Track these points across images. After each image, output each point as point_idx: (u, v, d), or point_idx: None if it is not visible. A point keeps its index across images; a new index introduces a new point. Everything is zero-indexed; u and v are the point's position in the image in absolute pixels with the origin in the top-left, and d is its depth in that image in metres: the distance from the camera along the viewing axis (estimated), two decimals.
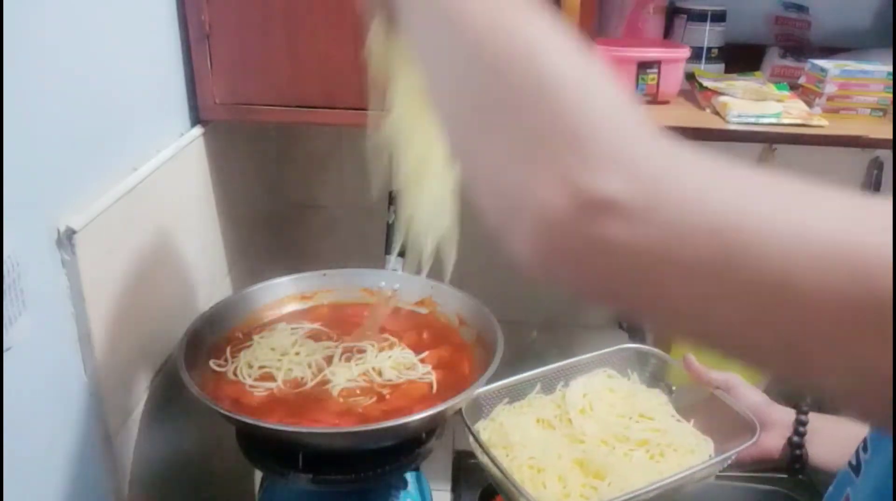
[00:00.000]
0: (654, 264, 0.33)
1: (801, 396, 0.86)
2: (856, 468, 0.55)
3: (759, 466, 0.90)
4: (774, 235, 0.31)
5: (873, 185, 1.25)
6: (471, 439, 0.84)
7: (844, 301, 0.30)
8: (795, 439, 0.84)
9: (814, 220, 0.32)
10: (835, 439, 0.81)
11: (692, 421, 0.88)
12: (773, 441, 0.84)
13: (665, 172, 0.34)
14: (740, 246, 0.31)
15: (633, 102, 0.37)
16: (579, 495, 0.79)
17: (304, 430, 0.75)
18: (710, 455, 0.83)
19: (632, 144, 0.34)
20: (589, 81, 0.37)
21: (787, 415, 0.84)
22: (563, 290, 0.36)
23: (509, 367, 0.93)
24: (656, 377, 0.95)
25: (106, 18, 0.71)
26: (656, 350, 0.95)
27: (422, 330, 0.93)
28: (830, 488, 0.60)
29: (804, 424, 0.82)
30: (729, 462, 0.83)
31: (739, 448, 0.81)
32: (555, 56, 0.37)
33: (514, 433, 0.85)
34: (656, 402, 0.91)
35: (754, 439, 0.81)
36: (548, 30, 0.39)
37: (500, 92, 0.37)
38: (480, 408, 0.89)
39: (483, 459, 0.82)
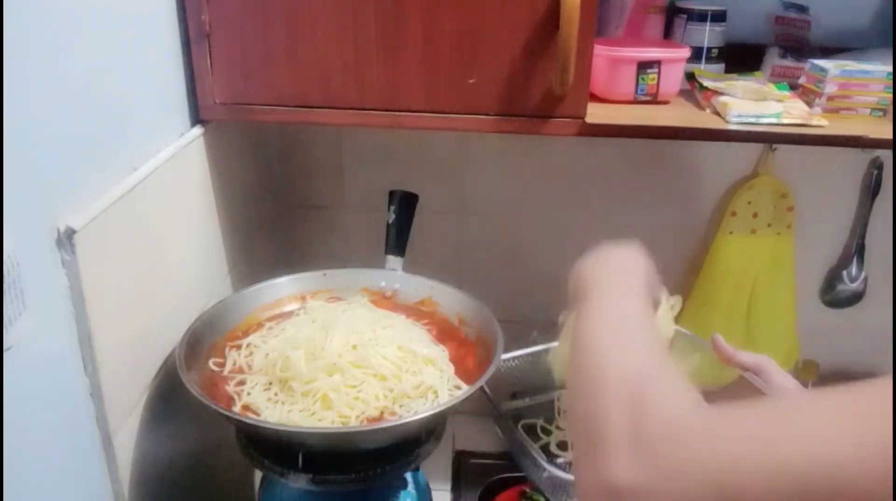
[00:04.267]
0: None
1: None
2: None
3: None
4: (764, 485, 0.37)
5: (873, 185, 1.25)
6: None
7: None
8: None
9: (796, 460, 0.37)
10: None
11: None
12: None
13: (671, 452, 0.42)
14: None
15: (686, 388, 0.47)
16: None
17: (304, 430, 0.75)
18: None
19: (644, 433, 0.43)
20: (635, 381, 0.47)
21: None
22: None
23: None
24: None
25: (105, 18, 0.71)
26: (682, 329, 0.93)
27: (430, 327, 0.93)
28: None
29: None
30: None
31: None
32: (615, 367, 0.49)
33: None
34: None
35: None
36: (623, 341, 0.52)
37: (576, 390, 0.51)
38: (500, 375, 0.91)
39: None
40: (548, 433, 0.92)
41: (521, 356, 0.93)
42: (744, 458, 0.39)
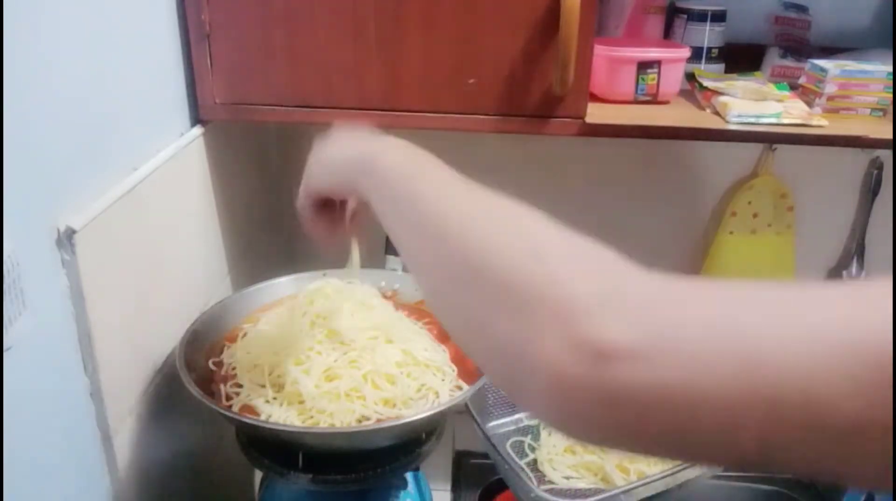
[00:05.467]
0: (679, 400, 0.33)
1: None
2: None
3: None
4: (789, 351, 0.31)
5: (873, 185, 1.25)
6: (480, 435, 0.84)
7: (876, 409, 0.30)
8: None
9: (818, 325, 0.32)
10: None
11: None
12: None
13: (662, 307, 0.35)
14: (760, 368, 0.31)
15: (598, 245, 0.39)
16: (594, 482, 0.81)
17: (304, 430, 0.75)
18: None
19: (619, 289, 0.36)
20: (562, 243, 0.40)
21: None
22: (584, 440, 0.38)
23: None
24: None
25: (105, 18, 0.71)
26: None
27: (431, 326, 0.93)
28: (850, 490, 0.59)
29: None
30: None
31: None
32: (529, 226, 0.41)
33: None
34: None
35: None
36: (506, 204, 0.44)
37: (487, 272, 0.39)
38: (486, 400, 0.89)
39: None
40: (534, 450, 0.91)
41: None
42: (768, 323, 0.32)
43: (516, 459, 0.87)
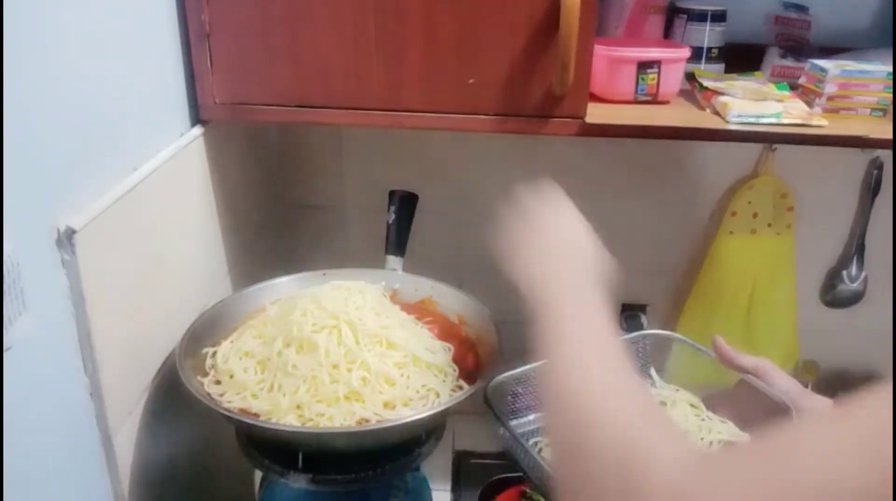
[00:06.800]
0: None
1: (836, 387, 0.84)
2: None
3: None
4: None
5: (873, 185, 1.25)
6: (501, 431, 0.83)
7: None
8: None
9: None
10: None
11: (719, 410, 0.87)
12: None
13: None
14: None
15: (676, 439, 0.46)
16: None
17: (304, 430, 0.75)
18: None
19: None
20: (624, 442, 0.45)
21: (821, 404, 0.80)
22: None
23: (511, 367, 0.93)
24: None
25: (105, 18, 0.71)
26: (677, 335, 0.93)
27: (432, 326, 0.93)
28: None
29: None
30: None
31: None
32: (601, 428, 0.46)
33: None
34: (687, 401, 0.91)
35: None
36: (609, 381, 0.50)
37: (559, 444, 0.50)
38: (503, 392, 0.88)
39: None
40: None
41: (521, 373, 0.92)
42: None
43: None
